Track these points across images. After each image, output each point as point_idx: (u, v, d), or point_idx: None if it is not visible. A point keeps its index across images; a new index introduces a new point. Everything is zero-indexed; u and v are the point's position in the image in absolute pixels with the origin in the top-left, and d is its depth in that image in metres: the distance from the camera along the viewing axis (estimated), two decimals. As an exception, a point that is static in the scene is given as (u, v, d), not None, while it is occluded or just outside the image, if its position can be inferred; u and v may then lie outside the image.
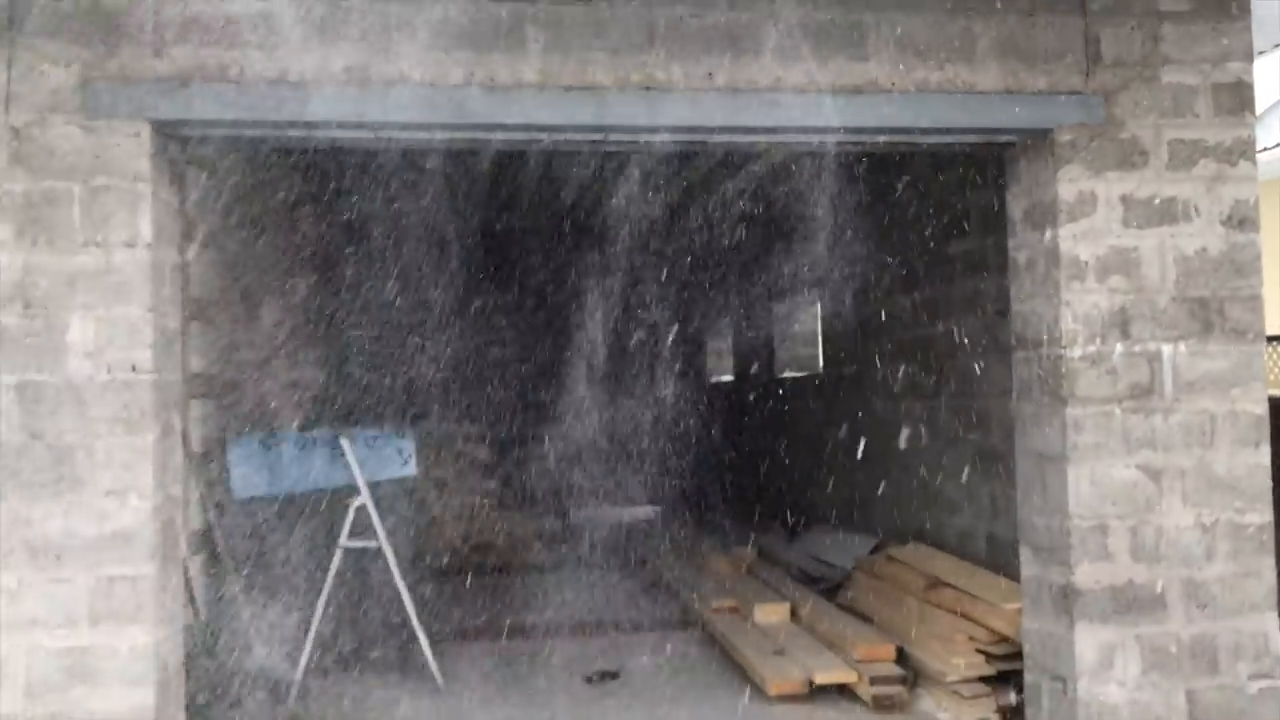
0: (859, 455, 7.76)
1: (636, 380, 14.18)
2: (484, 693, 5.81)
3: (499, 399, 12.70)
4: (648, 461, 14.09)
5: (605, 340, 13.53)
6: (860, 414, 7.74)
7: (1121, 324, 4.32)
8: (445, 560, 9.79)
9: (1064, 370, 4.30)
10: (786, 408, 9.22)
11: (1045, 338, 4.42)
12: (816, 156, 7.96)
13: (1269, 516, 4.36)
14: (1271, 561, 4.37)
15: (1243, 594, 4.32)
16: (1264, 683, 4.31)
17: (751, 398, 9.92)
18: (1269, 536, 4.36)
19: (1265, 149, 10.93)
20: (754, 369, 10.32)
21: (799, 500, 8.88)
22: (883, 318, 7.45)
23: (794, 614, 6.67)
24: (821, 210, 8.69)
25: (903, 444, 6.83)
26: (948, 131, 4.43)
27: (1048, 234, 4.38)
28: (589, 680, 6.03)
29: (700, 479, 12.19)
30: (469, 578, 9.12)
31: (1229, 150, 4.40)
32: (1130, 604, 4.27)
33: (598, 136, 4.34)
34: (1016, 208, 4.65)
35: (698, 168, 8.18)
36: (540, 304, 13.23)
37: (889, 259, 7.24)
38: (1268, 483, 4.37)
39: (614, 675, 6.09)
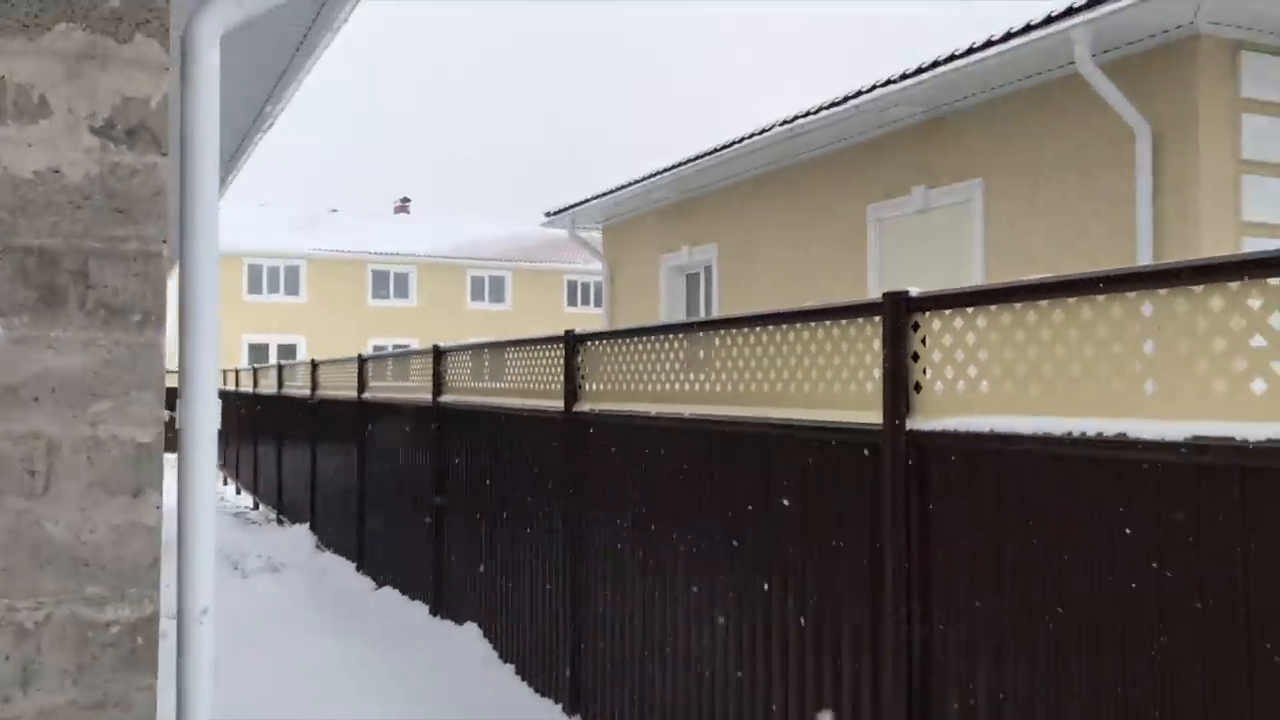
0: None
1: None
2: None
3: None
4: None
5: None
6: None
7: (-121, 286, 2.52)
8: None
9: None
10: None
11: None
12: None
13: (156, 606, 2.73)
14: (152, 679, 2.73)
15: (95, 736, 2.66)
16: None
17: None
18: (151, 639, 2.73)
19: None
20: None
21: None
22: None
23: None
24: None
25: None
26: None
27: None
28: None
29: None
30: None
31: (119, 15, 2.72)
32: None
33: None
34: None
35: None
36: None
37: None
38: (156, 552, 2.74)
39: None
